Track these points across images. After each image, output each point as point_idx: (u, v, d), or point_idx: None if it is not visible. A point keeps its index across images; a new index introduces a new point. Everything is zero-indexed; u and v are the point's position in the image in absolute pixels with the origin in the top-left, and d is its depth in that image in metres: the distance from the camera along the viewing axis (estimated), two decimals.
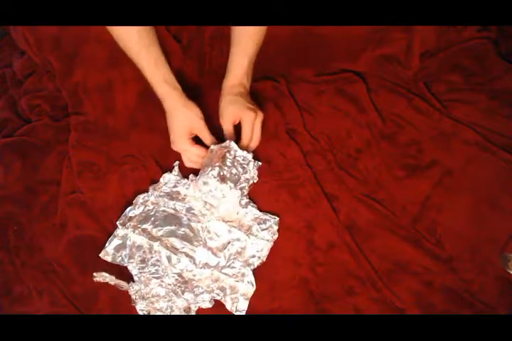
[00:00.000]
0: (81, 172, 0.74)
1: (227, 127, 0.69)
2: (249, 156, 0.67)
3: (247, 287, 0.63)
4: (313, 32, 0.74)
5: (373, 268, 0.64)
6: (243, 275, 0.64)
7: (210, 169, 0.64)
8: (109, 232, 0.70)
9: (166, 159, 0.74)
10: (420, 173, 0.68)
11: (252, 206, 0.68)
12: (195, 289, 0.63)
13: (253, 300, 0.64)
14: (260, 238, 0.66)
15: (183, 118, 0.69)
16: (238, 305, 0.63)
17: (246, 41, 0.70)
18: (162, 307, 0.62)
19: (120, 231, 0.67)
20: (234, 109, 0.68)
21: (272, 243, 0.66)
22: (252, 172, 0.68)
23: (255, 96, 0.74)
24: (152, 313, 0.62)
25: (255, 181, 0.69)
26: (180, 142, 0.70)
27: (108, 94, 0.75)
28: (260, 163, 0.69)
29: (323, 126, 0.73)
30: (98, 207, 0.72)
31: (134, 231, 0.66)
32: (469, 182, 0.67)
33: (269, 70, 0.79)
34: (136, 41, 0.68)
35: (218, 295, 0.63)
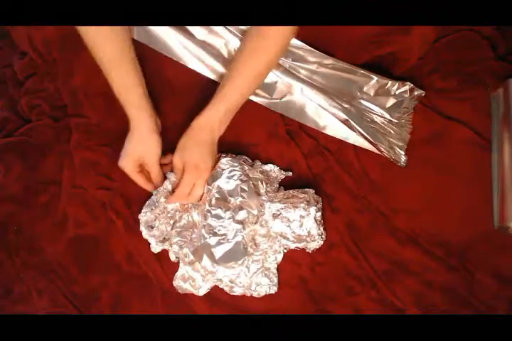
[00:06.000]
0: (83, 170, 0.74)
1: (175, 166, 0.67)
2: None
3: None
4: (313, 31, 0.74)
5: (373, 268, 0.64)
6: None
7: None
8: (109, 231, 0.70)
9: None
10: (417, 172, 0.68)
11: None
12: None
13: (253, 300, 0.64)
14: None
15: (139, 147, 0.68)
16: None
17: (232, 91, 0.66)
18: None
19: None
20: (185, 156, 0.65)
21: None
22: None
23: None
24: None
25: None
26: (126, 165, 0.68)
27: (108, 97, 0.75)
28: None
29: None
30: (99, 206, 0.72)
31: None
32: (465, 180, 0.67)
33: None
34: (112, 59, 0.66)
35: None
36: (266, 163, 0.70)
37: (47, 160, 0.77)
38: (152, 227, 0.67)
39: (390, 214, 0.67)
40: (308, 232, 0.63)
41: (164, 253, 0.68)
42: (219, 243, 0.62)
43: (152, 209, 0.68)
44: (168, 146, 0.71)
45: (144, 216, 0.68)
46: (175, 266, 0.67)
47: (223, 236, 0.62)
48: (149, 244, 0.67)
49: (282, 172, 0.70)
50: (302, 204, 0.63)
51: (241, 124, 0.74)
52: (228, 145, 0.72)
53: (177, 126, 0.72)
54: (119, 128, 0.72)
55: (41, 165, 0.77)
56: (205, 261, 0.62)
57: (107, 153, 0.74)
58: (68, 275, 0.70)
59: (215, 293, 0.65)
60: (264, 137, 0.73)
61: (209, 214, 0.63)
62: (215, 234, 0.62)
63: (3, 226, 0.74)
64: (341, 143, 0.71)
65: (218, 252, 0.62)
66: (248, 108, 0.73)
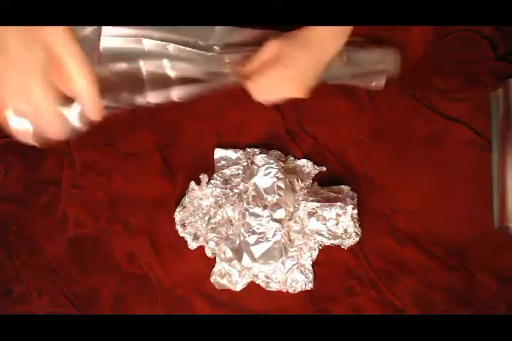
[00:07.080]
0: (84, 170, 0.74)
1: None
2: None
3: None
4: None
5: (373, 268, 0.64)
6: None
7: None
8: (109, 231, 0.70)
9: (170, 157, 0.74)
10: (417, 172, 0.68)
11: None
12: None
13: (252, 300, 0.65)
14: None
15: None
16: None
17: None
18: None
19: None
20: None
21: None
22: None
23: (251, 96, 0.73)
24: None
25: None
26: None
27: None
28: None
29: (321, 125, 0.73)
30: (99, 206, 0.72)
31: None
32: (465, 180, 0.67)
33: None
34: None
35: None
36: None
37: (47, 160, 0.77)
38: (184, 225, 0.68)
39: (390, 214, 0.67)
40: (345, 230, 0.63)
41: (164, 253, 0.68)
42: (258, 241, 0.62)
43: (185, 207, 0.68)
44: (167, 144, 0.71)
45: (178, 215, 0.68)
46: (175, 266, 0.67)
47: (262, 235, 0.63)
48: (186, 241, 0.68)
49: (316, 167, 0.70)
50: (339, 203, 0.63)
51: (241, 124, 0.74)
52: (228, 146, 0.73)
53: (175, 123, 0.72)
54: (120, 128, 0.73)
55: (41, 165, 0.77)
56: (245, 259, 0.62)
57: (108, 152, 0.74)
58: (68, 275, 0.70)
59: (215, 294, 0.66)
60: (264, 137, 0.73)
61: (247, 213, 0.63)
62: (253, 233, 0.63)
63: (3, 226, 0.74)
64: (341, 143, 0.71)
65: (257, 251, 0.62)
66: (248, 108, 0.73)
